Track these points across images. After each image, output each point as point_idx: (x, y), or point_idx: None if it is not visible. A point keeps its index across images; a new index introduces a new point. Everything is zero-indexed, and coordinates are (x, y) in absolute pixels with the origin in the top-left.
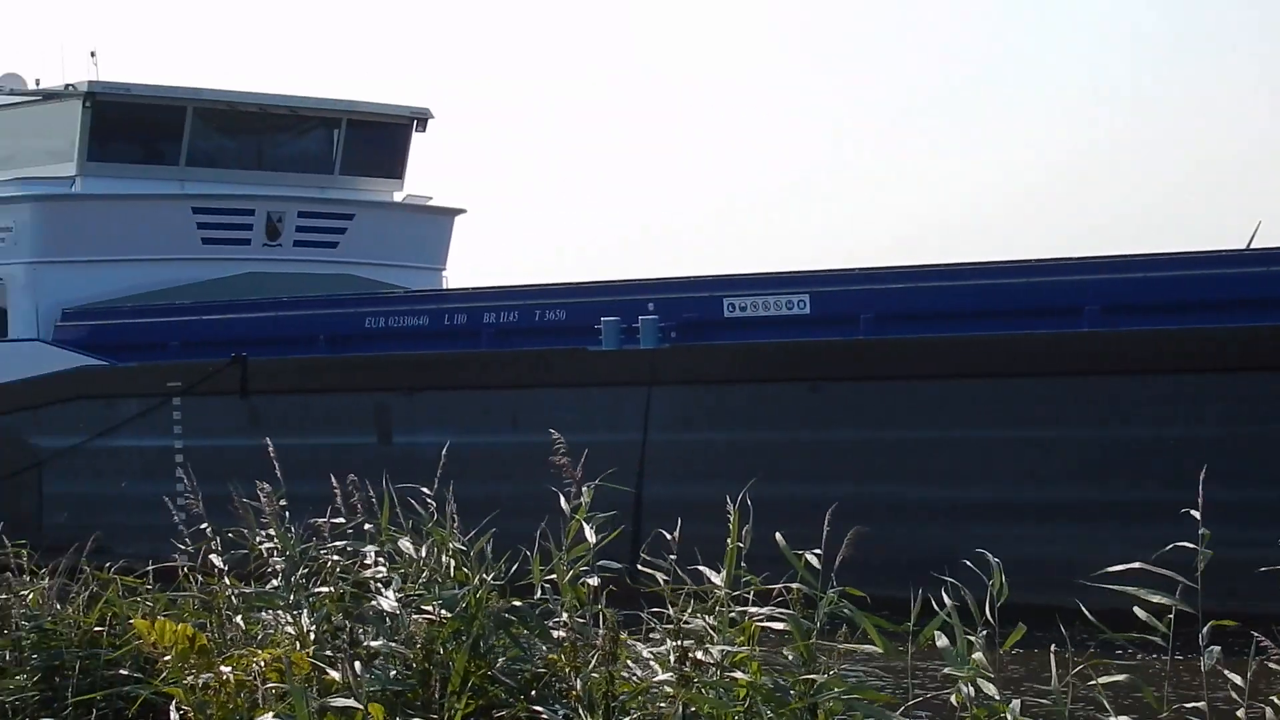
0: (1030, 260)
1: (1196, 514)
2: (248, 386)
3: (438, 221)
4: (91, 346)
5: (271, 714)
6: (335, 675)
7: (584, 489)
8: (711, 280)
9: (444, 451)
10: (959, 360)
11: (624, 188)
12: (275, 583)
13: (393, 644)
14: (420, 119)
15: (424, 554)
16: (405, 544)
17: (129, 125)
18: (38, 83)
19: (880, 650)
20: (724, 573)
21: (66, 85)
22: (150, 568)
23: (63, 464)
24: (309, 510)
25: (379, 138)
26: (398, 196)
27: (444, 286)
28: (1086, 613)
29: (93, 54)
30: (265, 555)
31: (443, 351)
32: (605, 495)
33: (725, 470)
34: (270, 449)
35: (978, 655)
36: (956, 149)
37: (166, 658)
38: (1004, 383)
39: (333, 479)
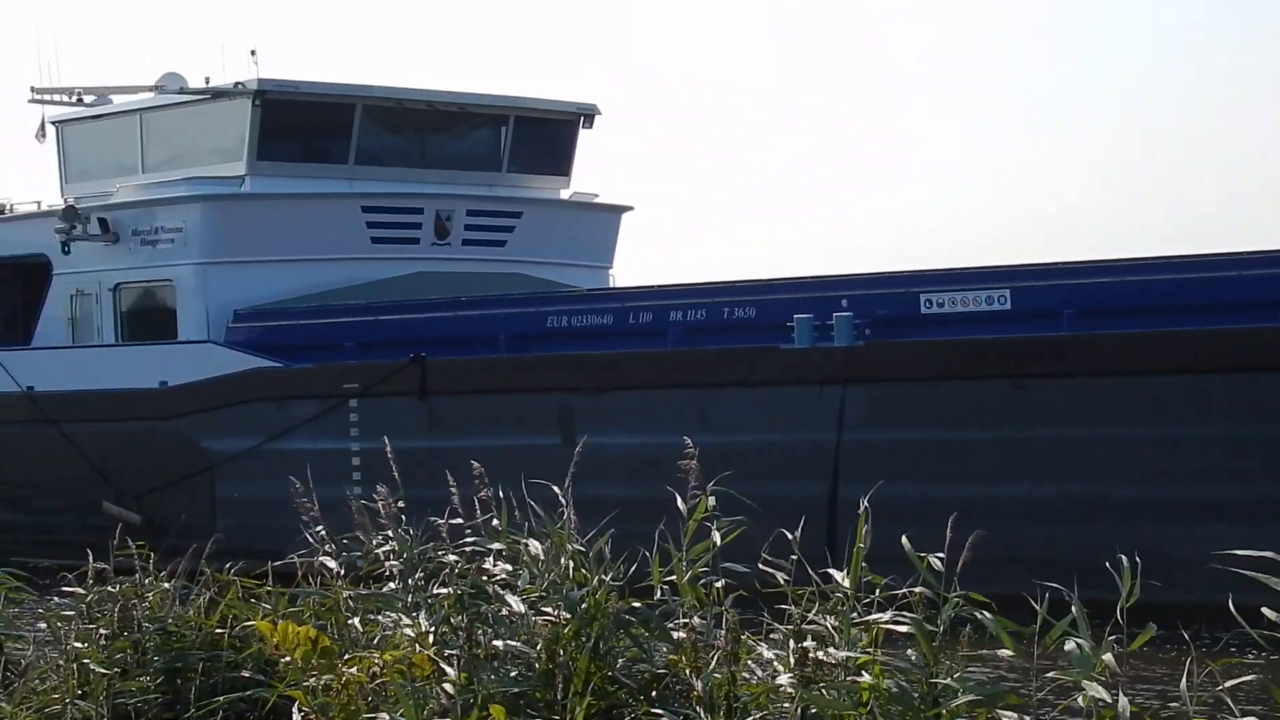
0: (1240, 253)
1: None
2: (427, 387)
3: (605, 219)
4: (264, 348)
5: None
6: (454, 675)
7: (705, 490)
8: (909, 276)
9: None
10: (1167, 355)
11: (788, 183)
12: (393, 585)
13: (516, 644)
14: (587, 115)
15: (543, 555)
16: (534, 545)
17: (298, 123)
18: (207, 81)
19: (1009, 653)
20: (848, 573)
21: (236, 83)
22: (268, 568)
23: (236, 467)
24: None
25: (546, 134)
26: (564, 194)
27: (610, 285)
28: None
29: (253, 52)
30: (382, 558)
31: (629, 350)
32: (792, 496)
33: (923, 470)
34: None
35: (1107, 657)
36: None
37: (288, 660)
38: (1214, 378)
39: (449, 478)
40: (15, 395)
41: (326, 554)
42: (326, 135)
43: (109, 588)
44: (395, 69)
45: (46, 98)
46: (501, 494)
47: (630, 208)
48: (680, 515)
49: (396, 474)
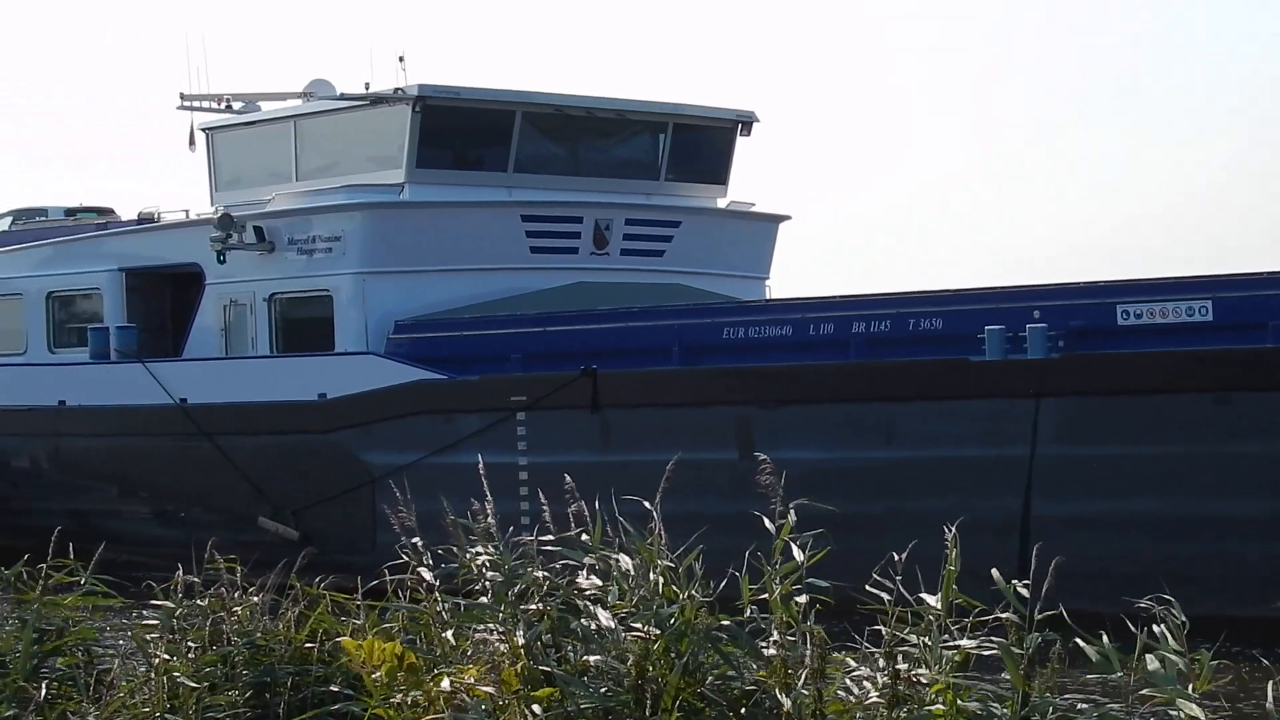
0: None
1: None
2: (599, 400)
3: (762, 229)
4: (427, 360)
5: None
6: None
7: (789, 508)
8: (1105, 286)
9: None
10: None
11: (946, 191)
12: (485, 599)
13: (606, 660)
14: (745, 122)
15: (633, 571)
16: (625, 560)
17: (456, 130)
18: (366, 86)
19: (1106, 672)
20: (940, 595)
21: (395, 89)
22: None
23: (398, 481)
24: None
25: (704, 142)
26: (721, 203)
27: (767, 296)
28: None
29: (400, 59)
30: (477, 571)
31: (810, 362)
32: (982, 512)
33: (1120, 486)
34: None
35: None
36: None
37: (375, 675)
38: None
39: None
40: (168, 407)
41: (424, 566)
42: (485, 142)
43: (198, 601)
44: (544, 75)
45: (195, 104)
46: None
47: (788, 217)
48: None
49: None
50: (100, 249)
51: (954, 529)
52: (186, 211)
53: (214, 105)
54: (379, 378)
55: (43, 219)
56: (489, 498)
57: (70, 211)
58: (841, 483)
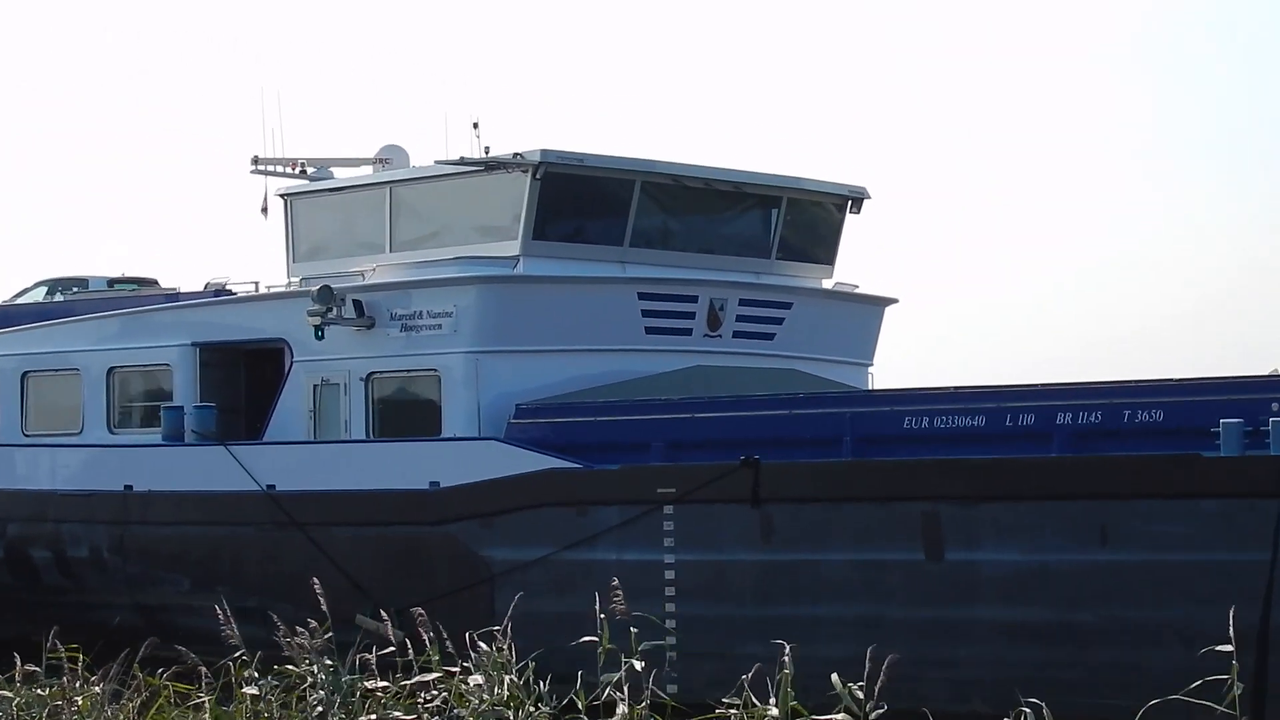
0: None
1: None
2: (761, 493)
3: (869, 312)
4: (555, 446)
5: None
6: None
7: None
8: None
9: None
10: None
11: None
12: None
13: None
14: (856, 199)
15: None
16: (475, 679)
17: (574, 200)
18: (486, 150)
19: None
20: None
21: (514, 154)
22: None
23: (520, 578)
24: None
25: (815, 219)
26: (827, 284)
27: (870, 384)
28: None
29: (475, 125)
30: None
31: (1013, 455)
32: (1212, 622)
33: None
34: None
35: None
36: None
37: None
38: None
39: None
40: (254, 495)
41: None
42: (601, 214)
43: (38, 690)
44: (623, 143)
45: (270, 169)
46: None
47: (895, 300)
48: None
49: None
50: (171, 321)
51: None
52: (256, 284)
53: (288, 170)
54: (500, 466)
55: (81, 290)
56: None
57: (111, 282)
58: (1048, 588)
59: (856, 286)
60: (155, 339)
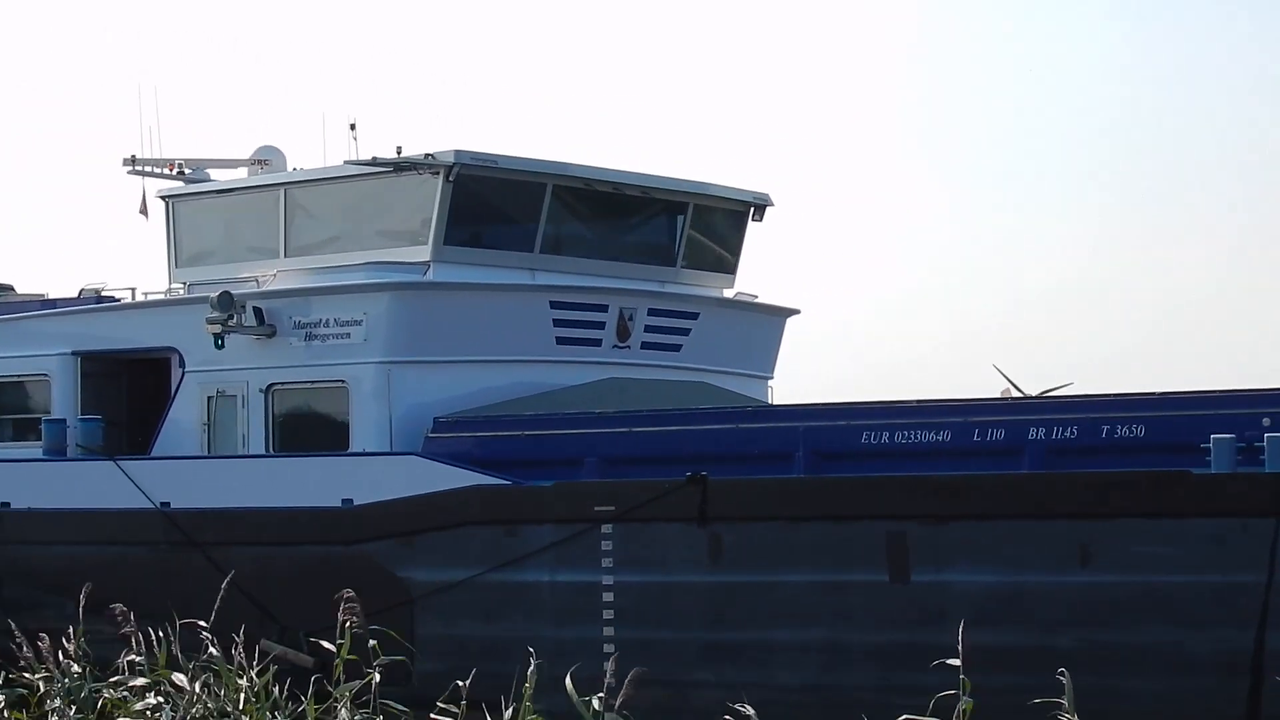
0: None
1: None
2: (708, 511)
3: (771, 323)
4: (479, 462)
5: None
6: None
7: None
8: None
9: None
10: None
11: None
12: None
13: None
14: (759, 206)
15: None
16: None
17: (486, 203)
18: (399, 151)
19: None
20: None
21: (425, 155)
22: None
23: (443, 601)
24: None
25: (719, 226)
26: (728, 293)
27: (770, 399)
28: None
29: (352, 126)
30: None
31: (984, 472)
32: (1203, 648)
33: None
34: None
35: None
36: None
37: None
38: None
39: None
40: (148, 513)
41: None
42: (511, 218)
43: None
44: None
45: (147, 169)
46: None
47: (797, 310)
48: None
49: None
50: (48, 329)
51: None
52: (133, 290)
53: (165, 171)
54: (420, 482)
55: None
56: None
57: None
58: (1022, 611)
59: (756, 296)
60: (31, 347)
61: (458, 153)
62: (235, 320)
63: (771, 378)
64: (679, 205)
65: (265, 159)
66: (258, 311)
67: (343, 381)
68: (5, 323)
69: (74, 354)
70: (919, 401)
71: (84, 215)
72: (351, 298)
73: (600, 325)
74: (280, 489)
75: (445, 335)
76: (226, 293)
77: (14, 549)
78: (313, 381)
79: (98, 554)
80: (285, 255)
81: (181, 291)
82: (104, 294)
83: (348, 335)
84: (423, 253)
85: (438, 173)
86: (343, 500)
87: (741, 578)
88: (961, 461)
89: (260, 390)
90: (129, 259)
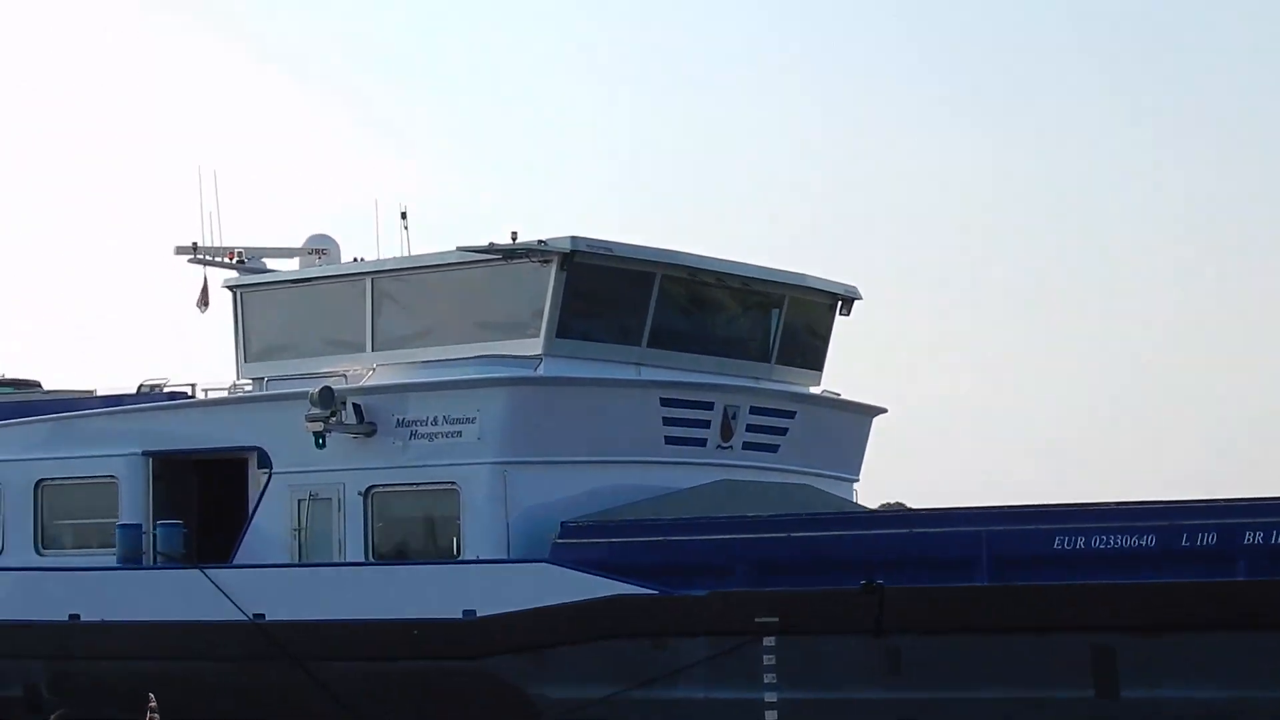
0: None
1: None
2: (885, 623)
3: (860, 422)
4: (617, 569)
5: None
6: None
7: None
8: None
9: None
10: None
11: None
12: None
13: None
14: (847, 300)
15: None
16: None
17: (597, 294)
18: (514, 237)
19: None
20: None
21: (538, 241)
22: None
23: None
24: None
25: (810, 320)
26: (815, 390)
27: (855, 499)
28: None
29: (403, 215)
30: None
31: (1197, 580)
32: None
33: None
34: None
35: None
36: None
37: None
38: None
39: None
40: (239, 625)
41: None
42: (620, 308)
43: None
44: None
45: (208, 259)
46: None
47: (884, 409)
48: None
49: None
50: (114, 428)
51: None
52: (192, 386)
53: (224, 259)
54: (551, 592)
55: None
56: None
57: None
58: None
59: (839, 394)
60: (94, 447)
61: (574, 239)
62: (336, 418)
63: (858, 479)
64: (775, 299)
65: (323, 248)
66: (356, 408)
67: (453, 483)
68: (66, 421)
69: (144, 454)
70: (1118, 504)
71: (118, 308)
72: (462, 394)
73: (706, 424)
74: (389, 600)
75: (559, 434)
76: (328, 388)
77: (83, 664)
78: (419, 484)
79: (178, 669)
80: (373, 349)
81: (251, 387)
82: (170, 390)
83: (459, 434)
84: (534, 345)
85: (549, 260)
86: (464, 612)
87: (924, 694)
88: (1169, 569)
89: (359, 493)
90: (169, 353)
